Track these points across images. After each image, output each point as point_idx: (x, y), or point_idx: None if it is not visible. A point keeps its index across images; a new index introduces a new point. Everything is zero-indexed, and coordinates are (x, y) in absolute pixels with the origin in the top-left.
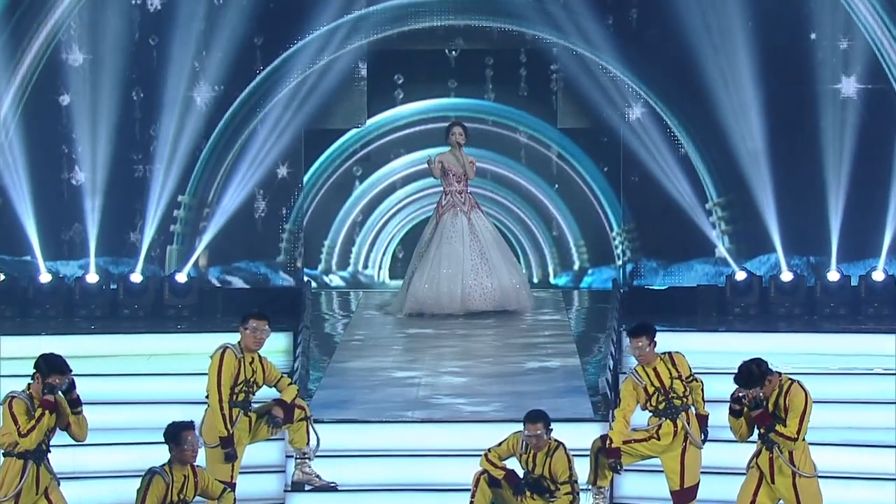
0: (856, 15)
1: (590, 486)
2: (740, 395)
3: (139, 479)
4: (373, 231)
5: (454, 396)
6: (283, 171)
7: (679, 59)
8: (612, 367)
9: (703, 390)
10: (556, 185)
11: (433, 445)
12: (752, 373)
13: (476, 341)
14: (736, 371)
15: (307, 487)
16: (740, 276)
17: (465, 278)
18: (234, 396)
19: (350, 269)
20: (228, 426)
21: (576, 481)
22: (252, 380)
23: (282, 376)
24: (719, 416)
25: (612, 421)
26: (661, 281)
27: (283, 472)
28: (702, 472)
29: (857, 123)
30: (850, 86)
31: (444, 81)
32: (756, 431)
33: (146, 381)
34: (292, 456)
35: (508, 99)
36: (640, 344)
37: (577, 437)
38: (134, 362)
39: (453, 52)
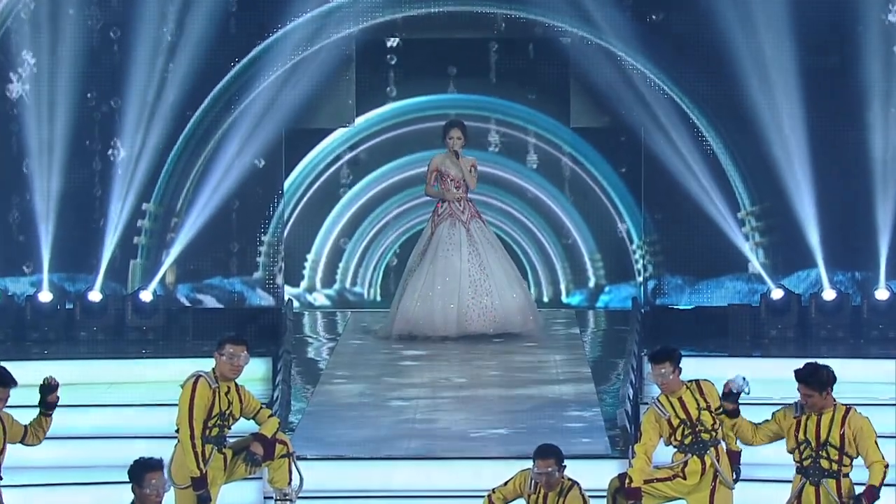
0: None
1: None
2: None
3: None
4: (362, 244)
5: (453, 430)
6: (260, 177)
7: (706, 49)
8: (631, 397)
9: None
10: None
11: (430, 486)
12: (820, 373)
13: (478, 368)
14: (801, 367)
15: None
16: (777, 294)
17: (463, 296)
18: (208, 431)
19: (336, 286)
20: (201, 465)
21: None
22: (228, 412)
23: (261, 407)
24: (753, 453)
25: (632, 457)
26: (687, 300)
27: None
28: None
29: None
30: None
31: (443, 75)
32: (798, 462)
33: (107, 413)
34: (272, 497)
35: (515, 95)
36: (663, 370)
37: (593, 475)
38: (92, 391)
39: (454, 43)
